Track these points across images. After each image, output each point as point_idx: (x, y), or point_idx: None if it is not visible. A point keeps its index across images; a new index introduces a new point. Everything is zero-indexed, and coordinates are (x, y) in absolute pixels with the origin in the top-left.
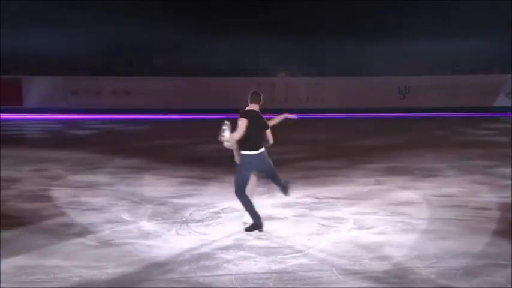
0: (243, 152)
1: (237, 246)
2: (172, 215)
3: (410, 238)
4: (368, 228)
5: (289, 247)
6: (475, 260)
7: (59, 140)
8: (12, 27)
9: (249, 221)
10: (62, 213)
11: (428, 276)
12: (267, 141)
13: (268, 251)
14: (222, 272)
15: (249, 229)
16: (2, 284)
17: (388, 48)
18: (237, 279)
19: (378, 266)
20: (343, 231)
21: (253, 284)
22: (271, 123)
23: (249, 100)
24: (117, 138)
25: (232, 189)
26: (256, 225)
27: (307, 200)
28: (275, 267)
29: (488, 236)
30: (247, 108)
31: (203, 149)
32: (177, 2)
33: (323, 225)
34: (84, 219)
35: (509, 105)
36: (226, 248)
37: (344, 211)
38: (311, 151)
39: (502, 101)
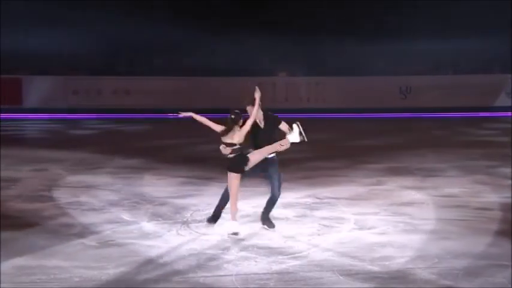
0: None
1: (238, 247)
2: (172, 215)
3: (412, 238)
4: (369, 229)
5: (290, 247)
6: (476, 261)
7: (59, 140)
8: (12, 27)
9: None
10: (62, 214)
11: (430, 276)
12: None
13: (269, 252)
14: (222, 273)
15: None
16: (2, 284)
17: (388, 48)
18: (238, 280)
19: (379, 267)
20: (344, 232)
21: (254, 285)
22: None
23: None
24: (117, 138)
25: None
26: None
27: (308, 200)
28: (276, 267)
29: (490, 236)
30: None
31: (203, 149)
32: (177, 2)
33: (324, 225)
34: (85, 219)
35: (510, 105)
36: (227, 249)
37: (345, 211)
38: (312, 151)
39: (503, 100)
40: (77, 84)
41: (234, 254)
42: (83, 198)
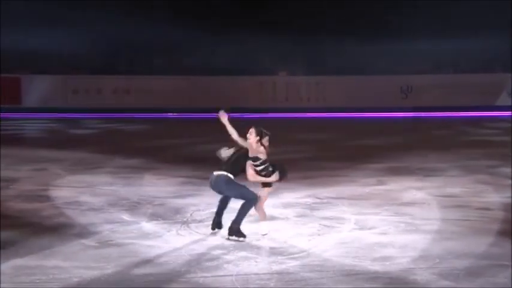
0: None
1: (238, 247)
2: (172, 215)
3: (413, 238)
4: (370, 229)
5: (290, 247)
6: (478, 261)
7: (58, 139)
8: (12, 27)
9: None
10: (62, 214)
11: (431, 277)
12: None
13: (269, 252)
14: (222, 273)
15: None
16: (2, 284)
17: (389, 48)
18: (238, 280)
19: (380, 267)
20: (345, 232)
21: (254, 285)
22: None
23: None
24: (117, 138)
25: None
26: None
27: (309, 200)
28: (276, 267)
29: (491, 236)
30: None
31: (203, 149)
32: (177, 2)
33: (324, 225)
34: (84, 219)
35: (511, 104)
36: (227, 249)
37: (346, 211)
38: (312, 151)
39: (504, 100)
40: (77, 83)
41: (234, 254)
42: (83, 198)
